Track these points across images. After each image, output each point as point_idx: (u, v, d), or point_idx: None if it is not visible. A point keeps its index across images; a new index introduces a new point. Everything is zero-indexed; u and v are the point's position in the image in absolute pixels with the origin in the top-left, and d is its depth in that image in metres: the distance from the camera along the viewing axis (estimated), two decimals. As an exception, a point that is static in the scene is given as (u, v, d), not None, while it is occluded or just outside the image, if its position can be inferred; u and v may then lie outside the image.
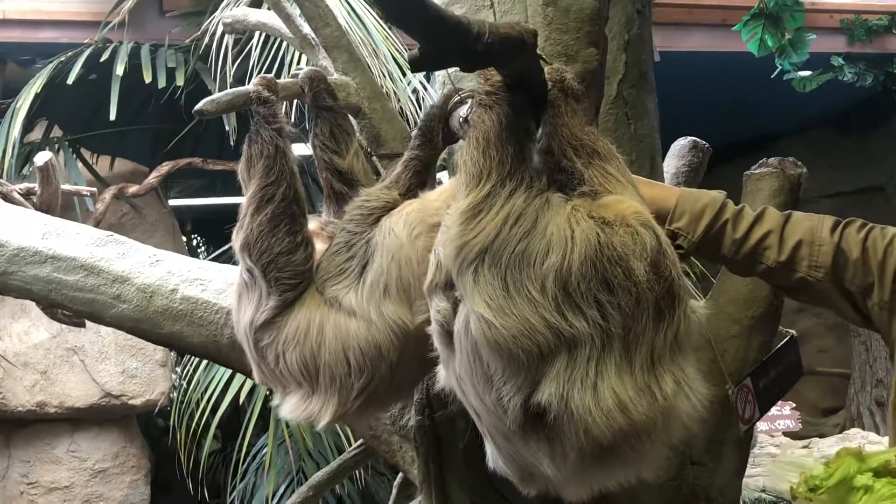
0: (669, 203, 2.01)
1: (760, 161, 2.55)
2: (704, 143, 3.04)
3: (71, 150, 6.37)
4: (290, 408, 2.05)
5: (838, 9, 7.74)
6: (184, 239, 7.99)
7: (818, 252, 1.95)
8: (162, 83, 5.62)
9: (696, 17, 7.03)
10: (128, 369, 6.64)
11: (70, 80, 5.57)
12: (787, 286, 2.03)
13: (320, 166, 2.31)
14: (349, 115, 2.39)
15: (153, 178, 6.08)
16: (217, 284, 2.65)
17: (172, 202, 7.46)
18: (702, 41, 7.04)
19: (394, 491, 3.13)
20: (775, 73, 3.59)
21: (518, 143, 1.71)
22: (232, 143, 5.54)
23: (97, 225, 5.97)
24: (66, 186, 3.24)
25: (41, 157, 3.06)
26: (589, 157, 1.77)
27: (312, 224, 2.28)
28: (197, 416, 5.33)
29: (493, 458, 1.72)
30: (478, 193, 1.68)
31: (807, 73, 3.44)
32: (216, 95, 2.24)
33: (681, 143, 3.04)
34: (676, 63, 5.25)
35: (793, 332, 2.65)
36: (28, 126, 6.17)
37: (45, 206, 3.06)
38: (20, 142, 5.86)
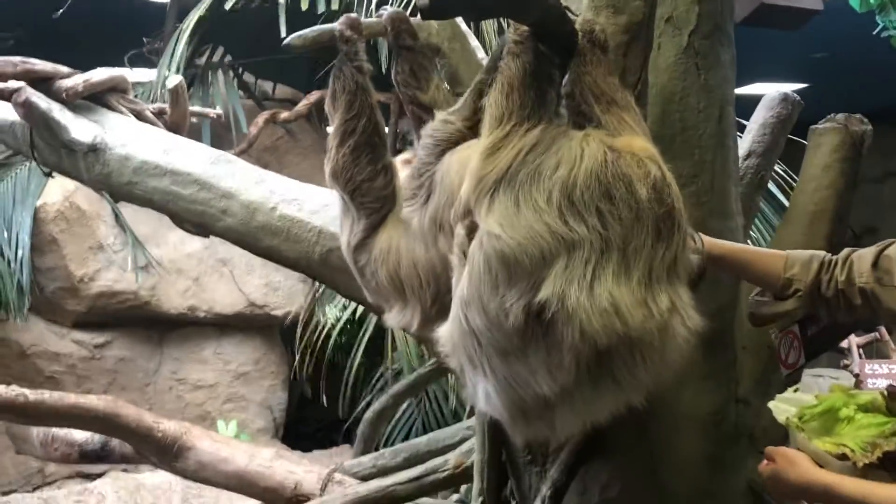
0: (780, 260, 2.17)
1: (828, 116, 2.60)
2: (796, 96, 3.08)
3: (232, 73, 6.70)
4: (392, 319, 2.30)
5: None
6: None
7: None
8: (322, 8, 5.83)
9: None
10: (271, 282, 7.08)
11: (227, 7, 5.85)
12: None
13: (405, 100, 2.49)
14: (429, 55, 2.55)
15: (303, 105, 6.40)
16: (312, 205, 2.90)
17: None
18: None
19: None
20: (877, 29, 3.54)
21: (540, 88, 1.86)
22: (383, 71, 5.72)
23: (249, 147, 6.33)
24: (195, 108, 3.53)
25: (172, 80, 3.36)
26: (608, 104, 1.90)
27: (404, 154, 2.49)
28: (327, 332, 5.66)
29: (486, 396, 1.86)
30: (499, 133, 1.85)
31: (905, 30, 3.40)
32: (303, 31, 2.45)
33: (771, 96, 3.09)
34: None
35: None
36: (197, 49, 6.54)
37: (175, 126, 3.35)
38: (189, 64, 6.24)
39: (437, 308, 2.18)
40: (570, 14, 1.86)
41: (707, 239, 2.14)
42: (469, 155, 2.14)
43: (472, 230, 1.85)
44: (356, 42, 2.38)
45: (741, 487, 2.56)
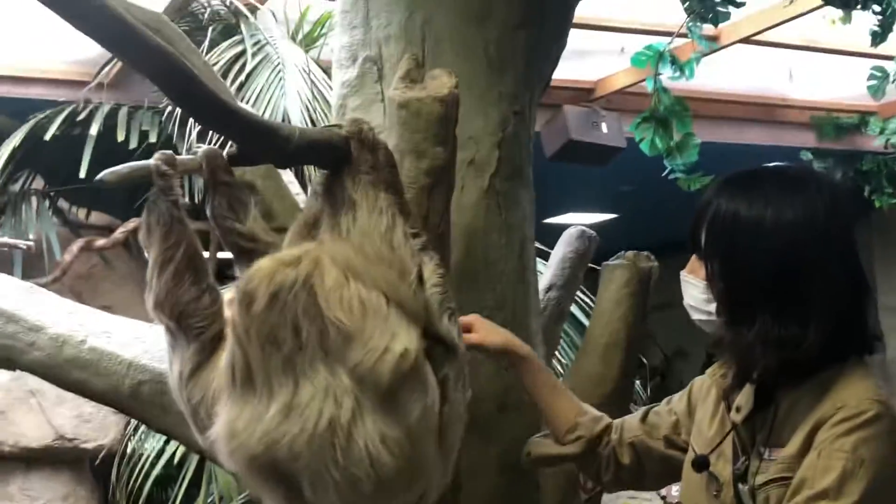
0: (576, 406, 2.31)
1: (618, 253, 2.81)
2: (592, 232, 3.31)
3: (47, 201, 6.62)
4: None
5: (809, 105, 8.00)
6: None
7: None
8: (133, 144, 5.89)
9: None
10: (83, 413, 6.85)
11: (47, 137, 5.85)
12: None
13: (223, 234, 2.53)
14: (245, 188, 2.61)
15: (120, 232, 6.35)
16: (123, 337, 2.88)
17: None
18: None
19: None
20: (665, 172, 3.89)
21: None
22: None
23: (63, 274, 6.21)
24: (2, 239, 3.48)
25: (-19, 212, 3.32)
26: (339, 205, 1.95)
27: (229, 293, 2.50)
28: (140, 466, 5.52)
29: None
30: None
31: (695, 175, 3.74)
32: (117, 167, 2.47)
33: (570, 232, 3.31)
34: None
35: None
36: (12, 176, 6.46)
37: (-18, 257, 3.30)
38: (2, 192, 6.16)
39: None
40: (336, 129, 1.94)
41: (528, 349, 2.29)
42: None
43: None
44: (172, 177, 2.41)
45: None
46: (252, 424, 1.75)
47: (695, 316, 2.00)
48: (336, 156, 1.84)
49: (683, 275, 2.02)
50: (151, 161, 2.45)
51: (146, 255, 2.34)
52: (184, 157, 2.57)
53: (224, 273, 2.53)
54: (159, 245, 2.31)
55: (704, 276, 1.96)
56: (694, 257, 2.01)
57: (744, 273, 1.88)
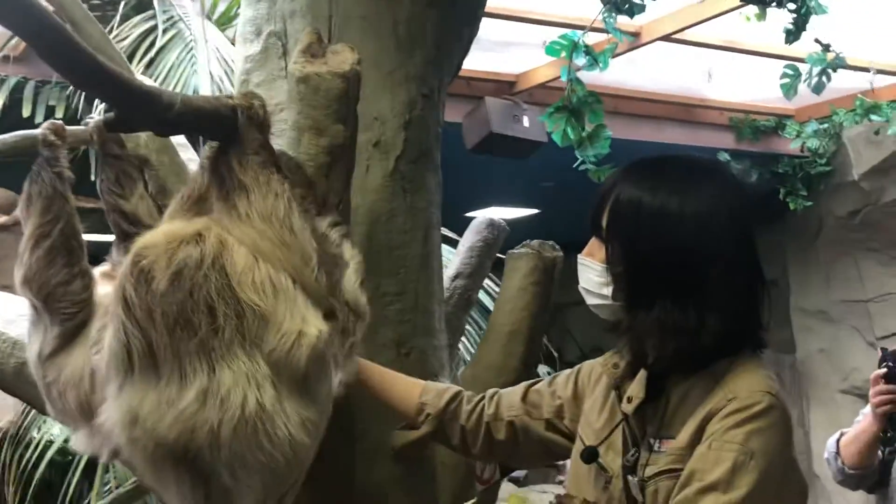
0: (417, 388, 2.29)
1: (524, 242, 2.77)
2: (502, 221, 3.26)
3: (-53, 176, 6.38)
4: (79, 444, 2.18)
5: (728, 107, 8.10)
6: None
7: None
8: (40, 118, 5.70)
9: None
10: (-24, 396, 6.64)
11: (-54, 110, 5.63)
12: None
13: (107, 209, 2.45)
14: (136, 163, 2.52)
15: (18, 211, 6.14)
16: (7, 314, 2.76)
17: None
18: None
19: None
20: (577, 163, 3.86)
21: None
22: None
23: (-39, 252, 5.98)
24: None
25: None
26: (229, 190, 1.88)
27: (103, 266, 2.41)
28: (41, 450, 5.36)
29: None
30: None
31: (605, 166, 3.71)
32: (3, 136, 2.39)
33: (478, 221, 3.26)
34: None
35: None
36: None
37: None
38: None
39: None
40: (225, 99, 1.87)
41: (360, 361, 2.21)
42: None
43: None
44: (59, 148, 2.32)
45: None
46: (159, 410, 1.69)
47: (590, 301, 1.97)
48: (224, 127, 1.75)
49: (581, 258, 1.98)
50: (39, 130, 2.38)
51: (23, 228, 2.24)
52: (74, 127, 2.49)
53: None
54: (37, 219, 2.23)
55: (603, 258, 1.93)
56: (593, 240, 1.97)
57: (645, 258, 1.86)
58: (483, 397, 2.24)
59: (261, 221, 1.85)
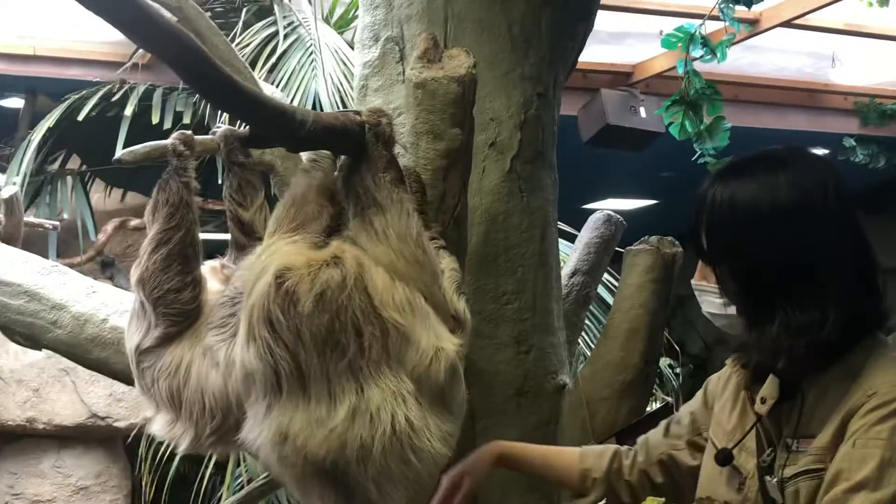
0: (575, 455, 2.26)
1: (643, 237, 2.75)
2: (619, 217, 3.25)
3: (80, 181, 6.64)
4: (158, 427, 2.29)
5: (852, 91, 7.87)
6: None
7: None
8: (168, 125, 5.88)
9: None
10: (115, 392, 6.89)
11: (80, 118, 5.84)
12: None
13: (228, 216, 2.53)
14: (259, 172, 2.60)
15: (154, 213, 6.35)
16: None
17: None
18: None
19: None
20: (695, 156, 3.80)
21: (318, 203, 1.95)
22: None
23: (98, 254, 6.23)
24: (30, 219, 3.50)
25: (7, 191, 3.33)
26: (364, 207, 1.93)
27: (214, 262, 2.51)
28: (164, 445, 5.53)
29: None
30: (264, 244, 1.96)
31: (725, 159, 3.63)
32: (135, 147, 2.48)
33: (595, 217, 3.26)
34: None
35: (669, 399, 2.85)
36: (49, 156, 6.48)
37: (8, 237, 3.31)
38: (39, 171, 6.18)
39: (214, 439, 2.20)
40: (353, 115, 1.92)
41: (502, 443, 2.23)
42: None
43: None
44: (188, 158, 2.41)
45: None
46: (309, 429, 1.76)
47: (718, 323, 1.95)
48: (352, 142, 1.80)
49: (695, 283, 1.97)
50: (168, 141, 2.47)
51: (147, 232, 2.35)
52: (202, 136, 2.58)
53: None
54: (161, 224, 2.33)
55: (715, 280, 1.91)
56: (701, 263, 1.96)
57: (753, 269, 1.83)
58: (636, 447, 2.21)
59: (397, 240, 1.91)
